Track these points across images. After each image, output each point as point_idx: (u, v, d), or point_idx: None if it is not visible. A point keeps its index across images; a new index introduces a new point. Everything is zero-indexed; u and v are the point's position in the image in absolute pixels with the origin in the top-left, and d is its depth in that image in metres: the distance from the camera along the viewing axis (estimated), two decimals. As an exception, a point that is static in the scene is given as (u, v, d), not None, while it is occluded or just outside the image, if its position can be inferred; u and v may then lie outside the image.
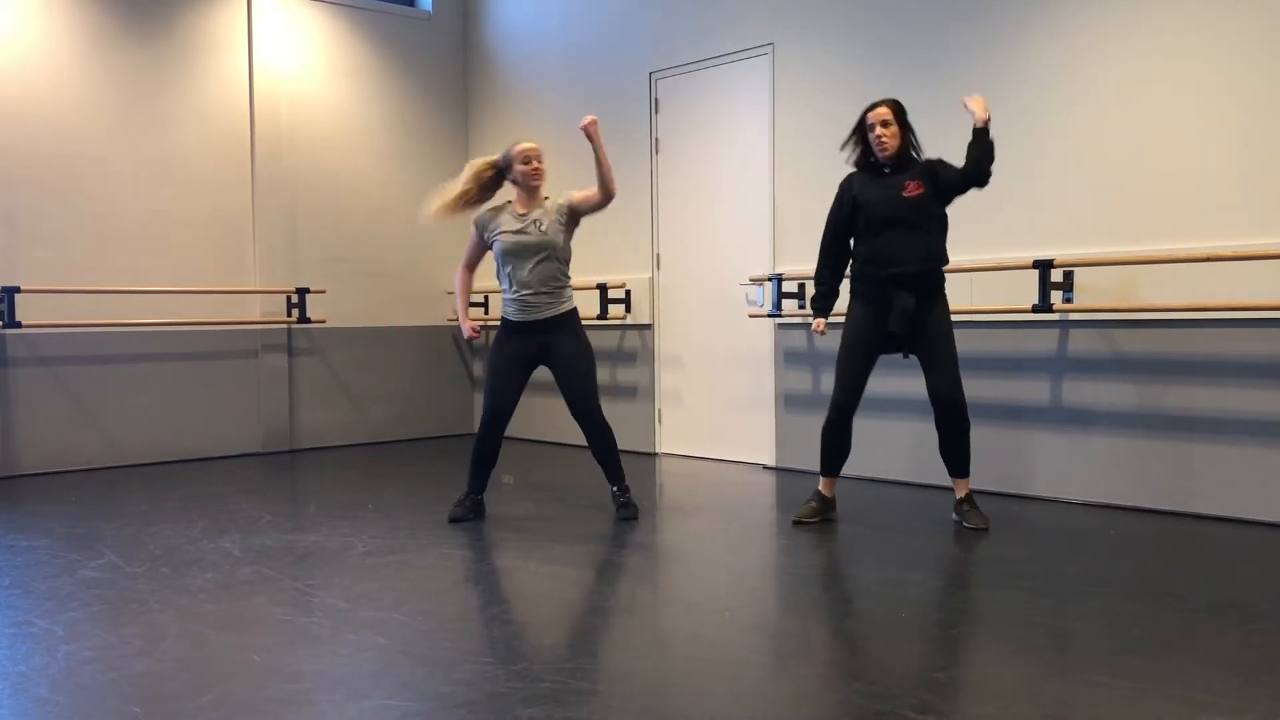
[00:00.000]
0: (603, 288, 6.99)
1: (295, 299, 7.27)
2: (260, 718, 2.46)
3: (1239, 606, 3.28)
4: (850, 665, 2.81)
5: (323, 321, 7.40)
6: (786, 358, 6.19)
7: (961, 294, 5.36)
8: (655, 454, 6.92)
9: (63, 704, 2.55)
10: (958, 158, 5.41)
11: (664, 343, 6.97)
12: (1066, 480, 5.04)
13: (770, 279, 6.06)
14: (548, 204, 4.79)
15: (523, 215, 4.75)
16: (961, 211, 5.38)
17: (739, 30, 6.37)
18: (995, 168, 5.32)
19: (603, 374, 7.27)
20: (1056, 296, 4.94)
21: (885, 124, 4.42)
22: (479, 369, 8.34)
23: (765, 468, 6.26)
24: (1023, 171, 5.15)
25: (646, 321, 6.97)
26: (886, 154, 4.43)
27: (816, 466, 6.00)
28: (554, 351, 4.68)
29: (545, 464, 6.67)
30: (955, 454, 4.51)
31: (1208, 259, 4.45)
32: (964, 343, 5.36)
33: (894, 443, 5.67)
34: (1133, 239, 4.79)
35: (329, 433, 7.58)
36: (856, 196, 4.50)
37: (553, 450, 7.27)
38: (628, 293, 6.98)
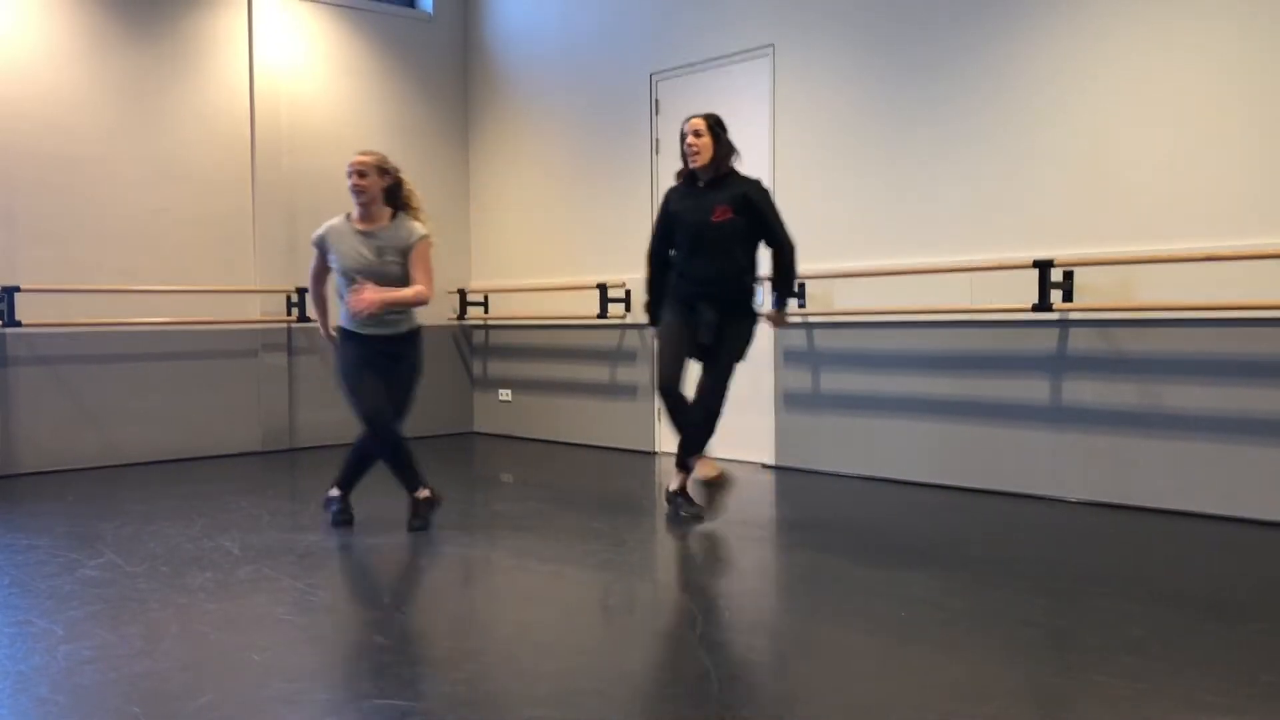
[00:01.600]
0: (603, 288, 7.00)
1: (295, 298, 7.26)
2: (260, 718, 2.46)
3: (1239, 606, 3.28)
4: (850, 665, 2.81)
5: (323, 321, 7.39)
6: (786, 358, 6.19)
7: (961, 294, 5.37)
8: (655, 454, 6.92)
9: (63, 704, 2.55)
10: (954, 158, 5.43)
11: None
12: (1066, 480, 5.04)
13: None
14: (396, 225, 4.48)
15: (364, 233, 4.45)
16: (962, 211, 5.39)
17: (739, 30, 6.37)
18: (993, 169, 5.33)
19: (602, 373, 7.27)
20: (1056, 296, 4.94)
21: (697, 134, 4.55)
22: (479, 368, 8.34)
23: (765, 467, 6.26)
24: (1023, 171, 5.15)
25: (646, 321, 6.96)
26: (697, 164, 4.55)
27: (817, 466, 6.02)
28: (391, 369, 4.51)
29: (545, 464, 6.67)
30: (690, 447, 4.63)
31: (1208, 259, 4.45)
32: (964, 342, 5.37)
33: (893, 442, 5.67)
34: (1133, 239, 4.79)
35: (329, 432, 7.56)
36: (672, 211, 4.65)
37: (553, 450, 7.27)
38: (628, 293, 6.98)
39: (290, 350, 7.38)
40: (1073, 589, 3.51)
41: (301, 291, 7.23)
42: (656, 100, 6.89)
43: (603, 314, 7.02)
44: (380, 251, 4.43)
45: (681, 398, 4.66)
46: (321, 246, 4.56)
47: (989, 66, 5.26)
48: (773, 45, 6.19)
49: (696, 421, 4.64)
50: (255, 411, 7.24)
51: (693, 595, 3.65)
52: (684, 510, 4.69)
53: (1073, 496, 5.02)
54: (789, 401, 6.18)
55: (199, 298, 6.98)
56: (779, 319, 4.78)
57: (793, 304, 5.99)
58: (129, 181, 6.74)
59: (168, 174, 6.89)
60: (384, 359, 4.49)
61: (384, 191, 4.51)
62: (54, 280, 6.40)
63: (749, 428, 6.44)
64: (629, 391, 7.11)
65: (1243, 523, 4.48)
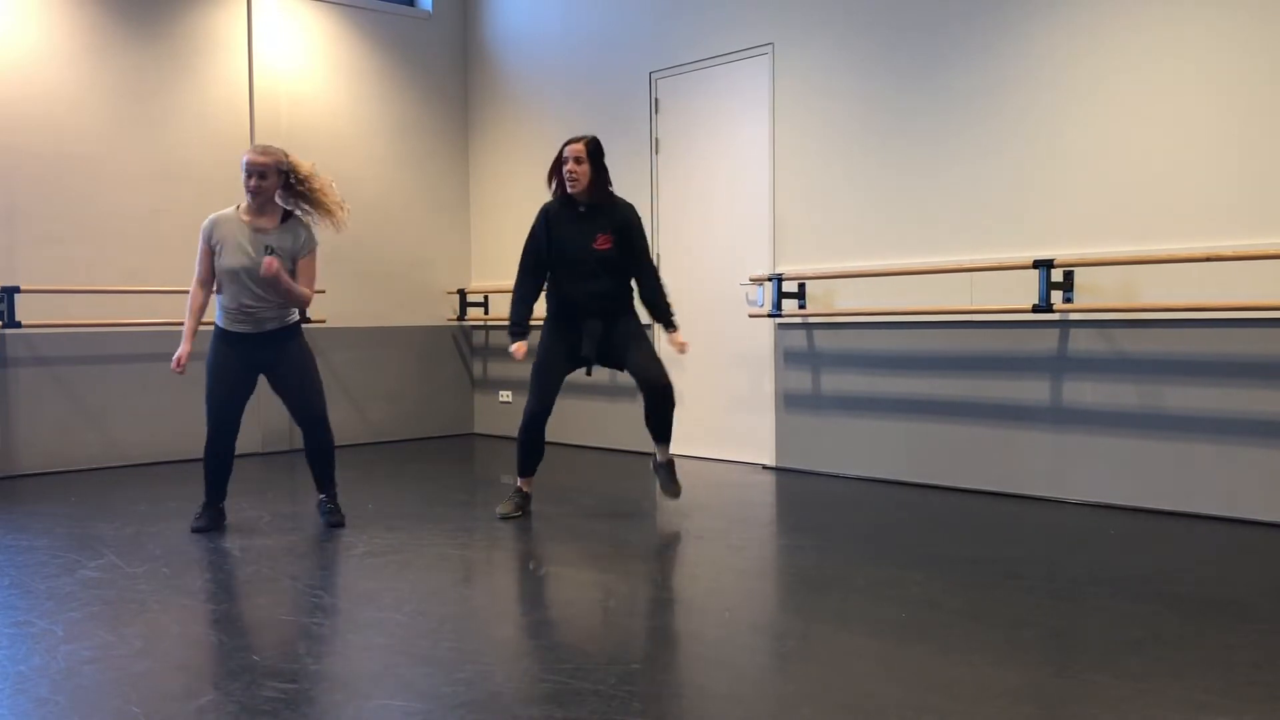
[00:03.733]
0: (603, 288, 6.99)
1: (295, 299, 7.26)
2: (260, 718, 2.46)
3: (1239, 606, 3.28)
4: (850, 665, 2.81)
5: (323, 321, 7.39)
6: (786, 358, 6.19)
7: (961, 294, 5.37)
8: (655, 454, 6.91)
9: (63, 704, 2.55)
10: (954, 158, 5.43)
11: (664, 343, 6.97)
12: (1066, 480, 5.04)
13: (770, 279, 6.05)
14: (288, 226, 4.49)
15: (255, 229, 4.45)
16: (962, 211, 5.39)
17: (739, 30, 6.37)
18: (993, 168, 5.33)
19: (602, 374, 7.27)
20: (1057, 296, 4.94)
21: (578, 161, 4.60)
22: (479, 369, 8.34)
23: (765, 468, 6.26)
24: (1023, 171, 5.15)
25: (646, 322, 6.95)
26: (576, 190, 4.61)
27: (817, 467, 6.03)
28: (275, 361, 4.53)
29: (545, 464, 6.67)
30: (661, 426, 4.77)
31: (1208, 259, 4.45)
32: (964, 342, 5.37)
33: (893, 443, 5.67)
34: (1133, 239, 4.79)
35: (329, 433, 7.57)
36: (550, 232, 4.68)
37: (553, 450, 7.27)
38: (628, 293, 6.98)
39: (290, 350, 7.37)
40: (1073, 589, 3.51)
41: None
42: (656, 99, 6.89)
43: (603, 314, 7.01)
44: (268, 250, 4.42)
45: (542, 432, 4.78)
46: (209, 238, 4.50)
47: (990, 66, 5.26)
48: (772, 44, 6.19)
49: (658, 410, 4.72)
50: (255, 412, 7.22)
51: (693, 596, 3.65)
52: (665, 487, 4.91)
53: (1073, 497, 5.02)
54: (789, 402, 6.18)
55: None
56: (680, 342, 4.75)
57: (790, 305, 6.01)
58: (129, 181, 6.74)
59: (168, 174, 6.89)
60: (262, 357, 4.51)
61: (279, 190, 4.53)
62: (54, 280, 6.40)
63: (749, 428, 6.44)
64: (629, 392, 7.11)
65: (1243, 523, 4.48)
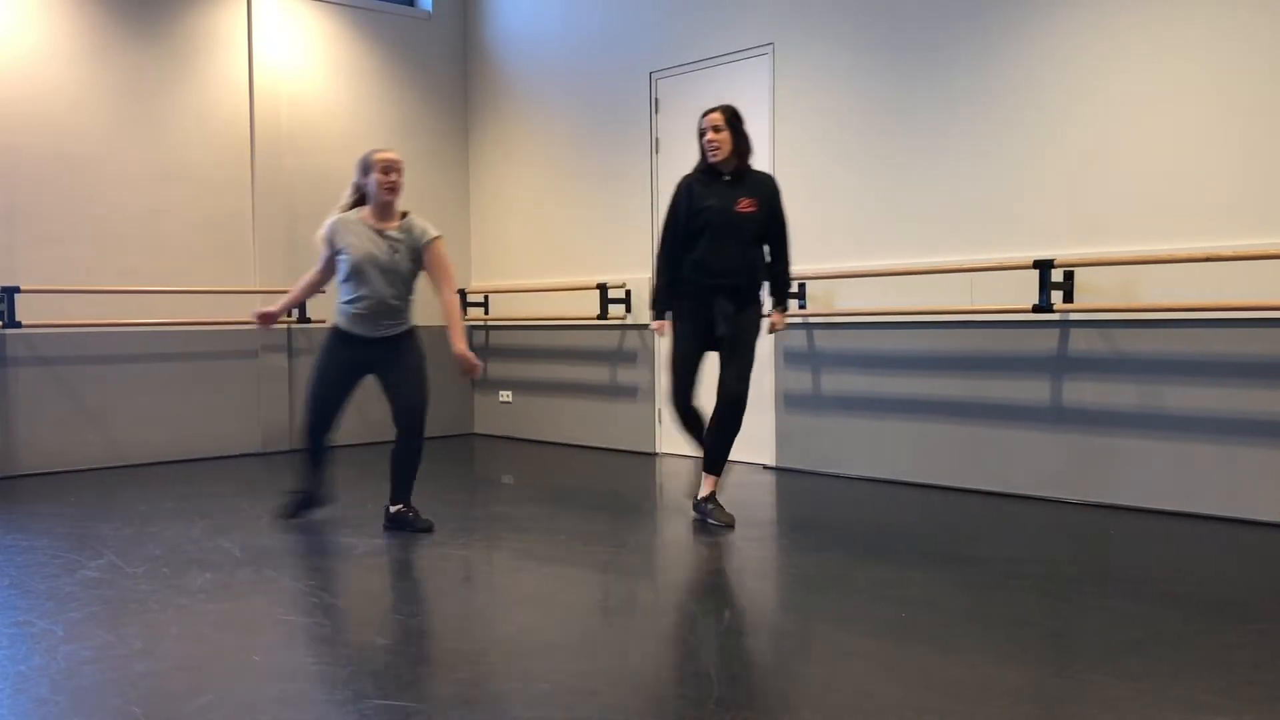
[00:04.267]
0: (603, 288, 7.00)
1: (295, 299, 7.26)
2: (260, 718, 2.46)
3: (1239, 606, 3.28)
4: (850, 665, 2.81)
5: (323, 322, 7.38)
6: (786, 358, 6.19)
7: (961, 294, 5.37)
8: (655, 454, 6.92)
9: (63, 704, 2.55)
10: (954, 158, 5.44)
11: (664, 342, 6.96)
12: (1066, 480, 5.04)
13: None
14: (406, 224, 4.55)
15: (379, 231, 4.50)
16: (962, 211, 5.39)
17: (739, 30, 6.37)
18: (993, 168, 5.34)
19: (602, 374, 7.28)
20: (1057, 296, 4.94)
21: (716, 129, 4.53)
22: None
23: (765, 468, 6.26)
24: (1023, 171, 5.15)
25: (646, 321, 6.97)
26: (717, 158, 4.54)
27: (818, 467, 6.02)
28: (388, 361, 4.53)
29: (546, 465, 6.68)
30: (719, 448, 4.64)
31: (1208, 259, 4.45)
32: (964, 342, 5.37)
33: (893, 443, 5.67)
34: (1133, 239, 4.79)
35: (329, 433, 7.57)
36: (693, 201, 4.58)
37: (553, 451, 7.27)
38: (628, 293, 6.98)
39: (290, 351, 7.38)
40: (1073, 589, 3.51)
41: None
42: (656, 99, 6.89)
43: (603, 315, 7.02)
44: (393, 249, 4.48)
45: (695, 411, 4.68)
46: (331, 240, 4.53)
47: (990, 67, 5.26)
48: (772, 44, 6.19)
49: (721, 419, 4.61)
50: (255, 412, 7.24)
51: (693, 596, 3.65)
52: (712, 518, 4.62)
53: (1073, 497, 5.02)
54: (789, 402, 6.18)
55: (199, 298, 6.98)
56: (781, 321, 4.75)
57: (790, 306, 6.01)
58: (129, 181, 6.74)
59: (168, 174, 6.89)
60: (378, 360, 4.51)
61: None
62: (54, 280, 6.40)
63: (749, 428, 6.42)
64: (629, 392, 7.11)
65: (1243, 523, 4.48)
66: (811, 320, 6.03)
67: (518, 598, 3.63)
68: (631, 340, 7.10)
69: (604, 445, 7.25)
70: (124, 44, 6.73)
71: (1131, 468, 4.83)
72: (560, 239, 7.61)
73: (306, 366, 7.41)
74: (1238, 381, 4.52)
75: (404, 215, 4.59)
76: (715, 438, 4.65)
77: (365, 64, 7.77)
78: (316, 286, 4.73)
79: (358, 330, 4.49)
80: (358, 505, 5.13)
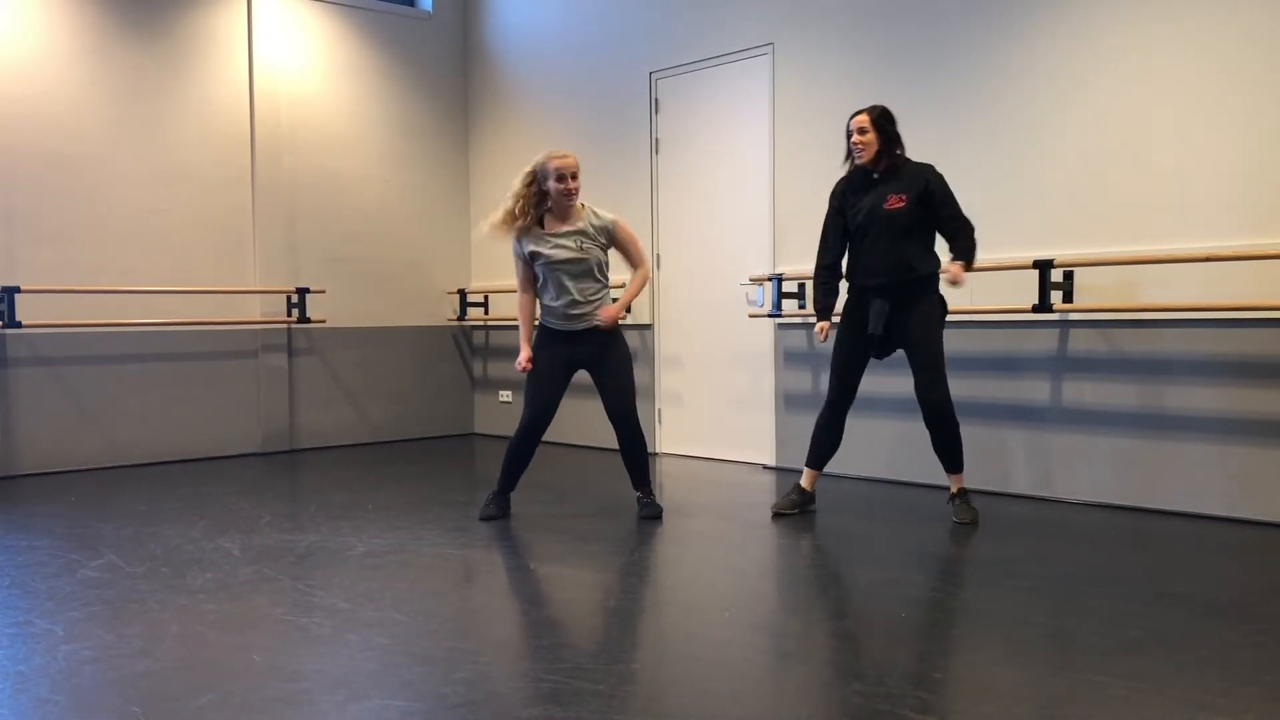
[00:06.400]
0: (603, 288, 6.99)
1: (295, 299, 7.26)
2: (260, 718, 2.46)
3: (1239, 606, 3.28)
4: (850, 665, 2.81)
5: (323, 321, 7.39)
6: (786, 358, 6.19)
7: (961, 294, 5.35)
8: (655, 454, 6.92)
9: (63, 704, 2.55)
10: (954, 158, 5.43)
11: (664, 343, 6.97)
12: (1066, 480, 5.04)
13: (770, 279, 6.06)
14: (586, 216, 4.74)
15: (558, 231, 4.70)
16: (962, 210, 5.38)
17: (739, 30, 6.37)
18: (993, 169, 5.33)
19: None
20: (1056, 296, 4.94)
21: (861, 131, 4.56)
22: (479, 369, 8.34)
23: (765, 468, 6.26)
24: (1023, 171, 5.15)
25: (646, 321, 6.97)
26: (864, 160, 4.56)
27: (816, 466, 6.02)
28: (597, 357, 4.77)
29: (547, 464, 6.67)
30: (944, 451, 4.62)
31: (1208, 259, 4.45)
32: (964, 342, 5.36)
33: (892, 443, 5.67)
34: (1133, 239, 4.79)
35: (329, 433, 7.57)
36: (844, 202, 4.66)
37: (553, 451, 7.27)
38: (628, 293, 6.97)
39: (290, 351, 7.38)
40: (1073, 589, 3.51)
41: (302, 292, 7.23)
42: (656, 99, 6.89)
43: (603, 314, 7.01)
44: (581, 246, 4.68)
45: (835, 427, 4.75)
46: (521, 254, 4.75)
47: (989, 66, 5.26)
48: (772, 44, 6.19)
49: (936, 432, 4.58)
50: (255, 412, 7.24)
51: (693, 596, 3.65)
52: (956, 515, 4.63)
53: (1073, 497, 5.02)
54: (789, 402, 6.18)
55: (199, 298, 6.98)
56: (958, 272, 4.42)
57: (790, 306, 6.01)
58: (129, 181, 6.74)
59: (168, 174, 6.89)
60: (589, 352, 4.75)
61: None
62: (54, 280, 6.40)
63: (749, 428, 6.44)
64: (629, 392, 7.10)
65: (1243, 523, 4.48)
66: (811, 320, 6.02)
67: (518, 598, 3.63)
68: (631, 340, 7.09)
69: (604, 445, 7.24)
70: (124, 44, 6.73)
71: (1131, 468, 4.83)
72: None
73: (306, 367, 7.44)
74: (1238, 381, 4.52)
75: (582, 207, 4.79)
76: (939, 448, 4.62)
77: (365, 64, 7.77)
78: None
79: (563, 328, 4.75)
80: (357, 505, 5.13)
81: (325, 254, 7.54)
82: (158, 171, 6.85)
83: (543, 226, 4.70)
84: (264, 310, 7.23)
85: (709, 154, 6.60)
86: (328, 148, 7.54)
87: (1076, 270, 4.92)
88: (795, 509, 4.80)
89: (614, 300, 4.83)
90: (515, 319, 7.93)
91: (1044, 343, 5.10)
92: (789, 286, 6.03)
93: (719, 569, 3.98)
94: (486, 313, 8.11)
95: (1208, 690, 2.55)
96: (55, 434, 6.44)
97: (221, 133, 7.11)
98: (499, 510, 4.83)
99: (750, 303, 6.38)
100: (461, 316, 8.16)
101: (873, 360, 4.74)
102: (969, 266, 4.45)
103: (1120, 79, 4.83)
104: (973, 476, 5.34)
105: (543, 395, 4.76)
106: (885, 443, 5.71)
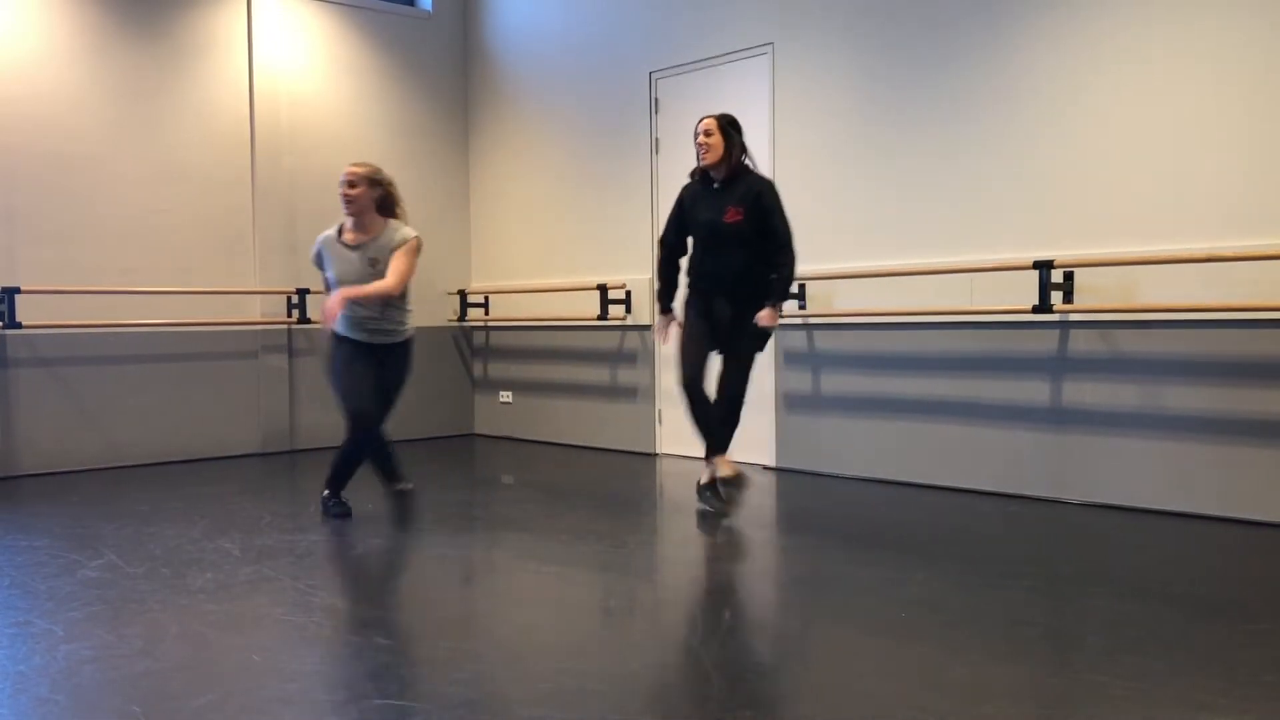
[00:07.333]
0: (603, 288, 7.00)
1: (295, 299, 7.27)
2: (260, 718, 2.46)
3: (1239, 606, 3.28)
4: (850, 665, 2.81)
5: (316, 323, 7.38)
6: (786, 358, 6.19)
7: (961, 294, 5.37)
8: (655, 454, 6.92)
9: (63, 704, 2.55)
10: (954, 158, 5.44)
11: (664, 343, 6.96)
12: (1066, 480, 5.04)
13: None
14: (387, 232, 4.64)
15: (352, 246, 4.63)
16: (962, 211, 5.39)
17: (739, 30, 6.37)
18: (993, 168, 5.33)
19: (603, 375, 7.28)
20: (1056, 297, 4.94)
21: (708, 134, 4.71)
22: (479, 369, 8.34)
23: (765, 468, 6.26)
24: (1023, 172, 5.15)
25: (646, 322, 6.96)
26: (707, 161, 4.70)
27: (818, 467, 6.02)
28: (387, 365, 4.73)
29: (546, 465, 6.68)
30: (720, 433, 4.82)
31: (1208, 259, 4.45)
32: (964, 342, 5.37)
33: (893, 443, 5.67)
34: (1133, 239, 4.79)
35: (329, 433, 7.55)
36: (686, 209, 4.82)
37: (554, 452, 7.27)
38: (628, 293, 6.98)
39: (291, 351, 7.38)
40: (1073, 589, 3.51)
41: (302, 292, 7.23)
42: (656, 99, 6.89)
43: (603, 315, 7.02)
44: (373, 263, 4.59)
45: (704, 394, 4.77)
46: (317, 260, 4.77)
47: (990, 66, 5.26)
48: (772, 44, 6.19)
49: (720, 416, 4.79)
50: (255, 413, 7.24)
51: (693, 596, 3.65)
52: (711, 504, 4.87)
53: (1073, 497, 5.02)
54: (789, 402, 6.18)
55: (199, 298, 6.98)
56: (768, 317, 4.71)
57: (790, 306, 6.01)
58: (129, 181, 6.74)
59: (168, 174, 6.89)
60: (374, 362, 4.69)
61: (375, 202, 4.64)
62: (54, 281, 6.40)
63: (749, 429, 6.43)
64: (629, 393, 7.11)
65: (1242, 523, 4.48)
66: (811, 320, 6.03)
67: (518, 598, 3.63)
68: (631, 341, 7.10)
69: (604, 445, 7.25)
70: (124, 44, 6.73)
71: (1131, 468, 4.83)
72: (560, 239, 7.61)
73: (307, 367, 7.44)
74: (1237, 381, 4.52)
75: (384, 224, 4.71)
76: (716, 430, 4.83)
77: (365, 64, 7.77)
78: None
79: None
80: (358, 505, 5.13)
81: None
82: (158, 171, 6.85)
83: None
84: (264, 311, 7.23)
85: (709, 154, 6.59)
86: (328, 148, 7.54)
87: (1076, 271, 4.92)
88: (725, 500, 4.87)
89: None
90: (513, 319, 7.99)
91: (1044, 343, 5.10)
92: (789, 287, 6.03)
93: (719, 569, 3.98)
94: (487, 313, 8.11)
95: (1208, 690, 2.55)
96: (55, 434, 6.44)
97: (221, 133, 7.11)
98: (342, 508, 4.80)
99: (750, 303, 6.37)
100: (461, 317, 8.16)
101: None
102: (777, 305, 4.70)
103: (1121, 79, 4.83)
104: (973, 476, 5.35)
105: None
106: (885, 443, 5.71)
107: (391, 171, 7.82)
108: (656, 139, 6.89)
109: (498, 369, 8.16)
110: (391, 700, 2.55)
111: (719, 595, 3.62)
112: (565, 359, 7.58)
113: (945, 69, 5.43)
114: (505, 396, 8.08)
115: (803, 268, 5.99)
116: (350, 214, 4.60)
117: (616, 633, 3.21)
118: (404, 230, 4.66)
